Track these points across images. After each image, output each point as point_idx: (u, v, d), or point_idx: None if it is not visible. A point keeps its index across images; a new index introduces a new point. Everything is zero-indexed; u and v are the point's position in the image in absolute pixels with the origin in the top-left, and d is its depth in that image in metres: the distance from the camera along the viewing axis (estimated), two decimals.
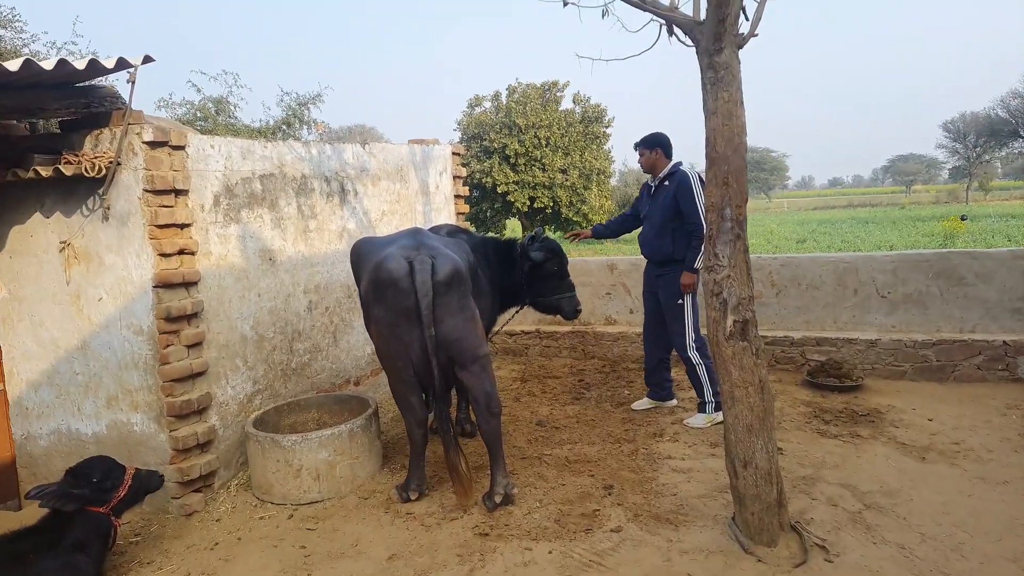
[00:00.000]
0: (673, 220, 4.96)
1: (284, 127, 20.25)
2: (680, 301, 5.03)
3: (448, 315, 3.71)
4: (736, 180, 3.33)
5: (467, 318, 3.79)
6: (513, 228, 30.68)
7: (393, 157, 6.11)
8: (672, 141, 5.17)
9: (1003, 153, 45.63)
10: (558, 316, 5.11)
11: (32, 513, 3.98)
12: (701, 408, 5.13)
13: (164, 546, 3.73)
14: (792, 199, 77.69)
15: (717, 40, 3.26)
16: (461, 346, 3.75)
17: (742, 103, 3.36)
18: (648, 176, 5.24)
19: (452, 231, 4.85)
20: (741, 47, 3.36)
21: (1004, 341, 5.45)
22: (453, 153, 7.06)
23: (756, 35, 3.41)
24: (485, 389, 3.82)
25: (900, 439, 4.54)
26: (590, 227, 5.57)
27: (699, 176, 4.85)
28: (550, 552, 3.36)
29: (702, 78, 3.40)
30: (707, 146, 3.41)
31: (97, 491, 3.30)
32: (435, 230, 4.73)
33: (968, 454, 4.25)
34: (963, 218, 28.00)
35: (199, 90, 18.77)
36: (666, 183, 5.02)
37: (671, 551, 3.32)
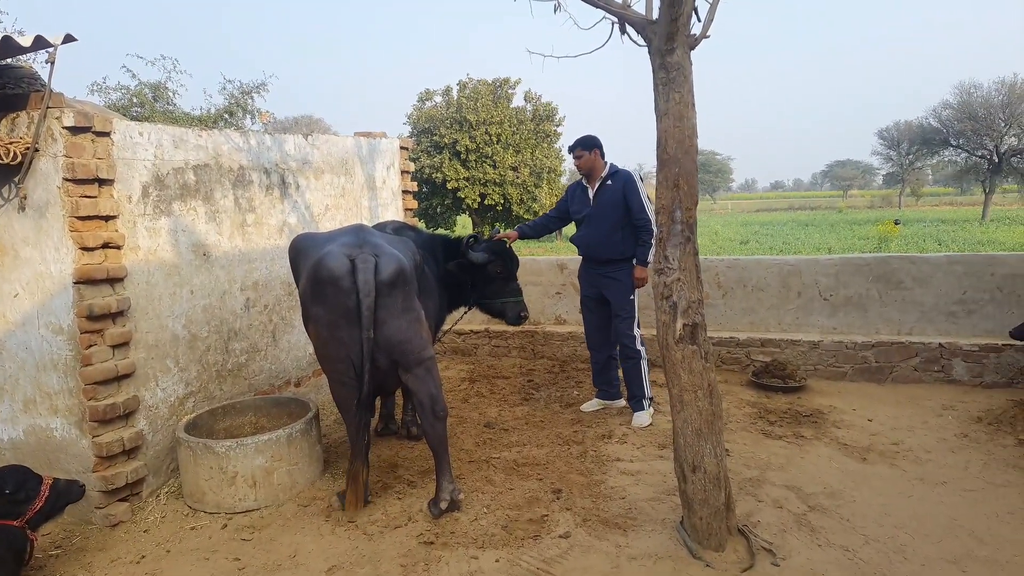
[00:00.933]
0: (622, 218, 4.97)
1: (227, 116, 19.58)
2: (632, 296, 5.08)
3: (391, 316, 3.57)
4: (687, 182, 3.29)
5: (411, 320, 3.66)
6: (464, 224, 30.51)
7: (338, 150, 5.91)
8: (622, 143, 5.17)
9: (934, 161, 47.53)
10: None
11: None
12: (639, 404, 5.13)
13: (87, 559, 3.49)
14: (736, 201, 79.59)
15: (669, 40, 3.21)
16: (405, 348, 3.61)
17: (694, 105, 3.32)
18: (584, 179, 5.20)
19: (398, 228, 4.70)
20: (693, 48, 3.32)
21: (940, 343, 5.60)
22: (401, 147, 6.88)
23: (708, 36, 3.37)
24: (430, 392, 3.69)
25: (842, 440, 4.61)
26: (514, 229, 5.41)
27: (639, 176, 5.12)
28: (497, 560, 3.26)
29: (654, 79, 3.34)
30: (658, 148, 3.36)
31: (10, 503, 3.06)
32: (380, 227, 4.56)
33: (907, 455, 4.33)
34: (897, 222, 29.07)
35: (134, 75, 17.99)
36: (609, 183, 5.02)
37: (619, 557, 3.26)
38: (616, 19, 3.42)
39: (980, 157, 36.48)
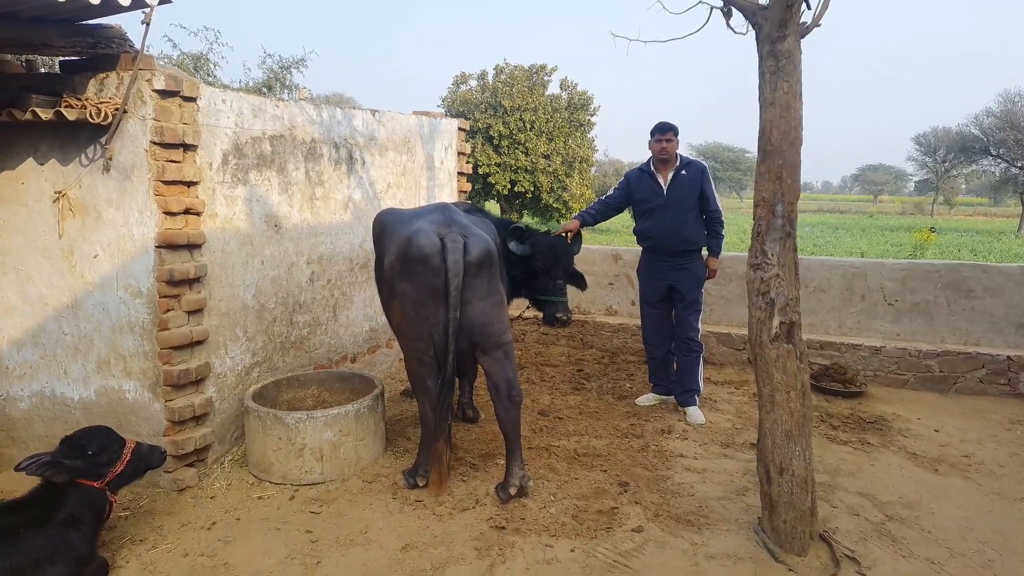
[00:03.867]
0: (696, 208, 4.93)
1: (264, 90, 19.66)
2: (703, 289, 5.02)
3: (476, 298, 3.52)
4: (790, 175, 3.20)
5: (495, 303, 3.62)
6: (492, 211, 30.41)
7: (401, 127, 5.86)
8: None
9: (970, 169, 46.72)
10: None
11: (9, 479, 3.74)
12: (692, 399, 5.07)
13: (157, 523, 3.51)
14: None
15: (782, 27, 3.12)
16: (486, 331, 3.57)
17: (801, 96, 3.22)
18: (653, 164, 5.03)
19: (468, 209, 4.63)
20: (803, 36, 3.23)
21: (1008, 356, 5.46)
22: (459, 128, 6.83)
23: (819, 25, 3.27)
24: (507, 377, 3.65)
25: (910, 449, 4.51)
26: (571, 218, 5.21)
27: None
28: (572, 550, 3.22)
29: (760, 67, 3.25)
30: (761, 138, 3.27)
31: (93, 464, 3.06)
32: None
33: (980, 468, 4.23)
34: (933, 230, 28.59)
35: (176, 45, 18.08)
36: (683, 172, 4.94)
37: (697, 555, 3.21)
38: (722, 4, 3.33)
39: (1020, 168, 35.71)
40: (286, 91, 20.88)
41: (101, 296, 3.81)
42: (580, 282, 4.84)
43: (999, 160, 37.26)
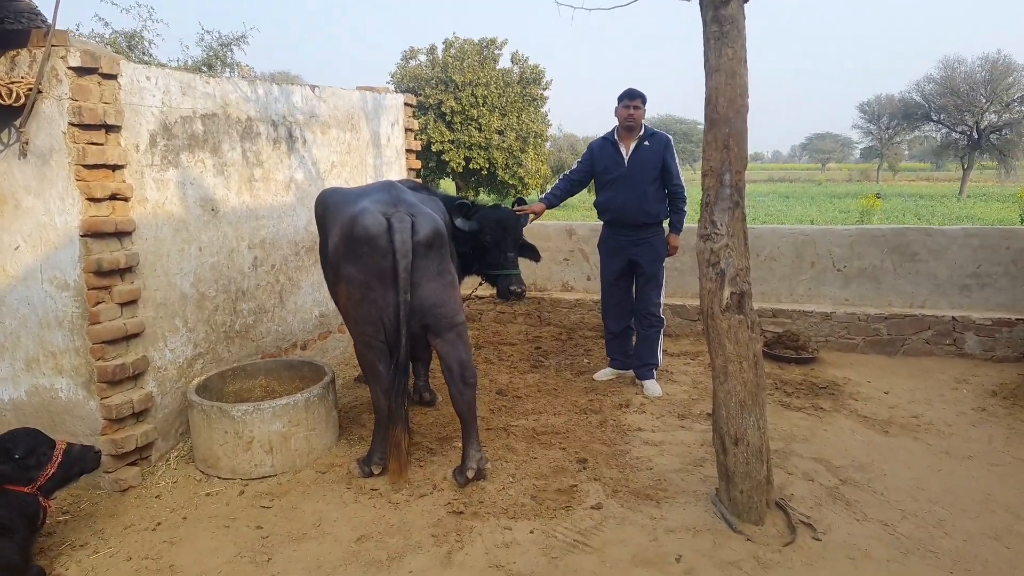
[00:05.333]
0: (657, 180, 4.83)
1: (204, 69, 18.95)
2: (663, 264, 4.97)
3: (426, 279, 3.41)
4: (737, 144, 3.16)
5: (446, 283, 3.51)
6: (447, 189, 30.10)
7: (344, 104, 5.66)
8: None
9: (912, 135, 47.96)
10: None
11: None
12: (650, 372, 5.07)
13: (98, 526, 3.34)
14: None
15: None
16: (438, 313, 3.47)
17: (746, 61, 3.17)
18: (617, 132, 4.93)
19: (413, 187, 4.49)
20: (747, 1, 3.17)
21: (952, 316, 5.59)
22: (405, 104, 6.63)
23: None
24: (460, 358, 3.56)
25: (861, 412, 4.58)
26: (537, 201, 5.09)
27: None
28: (531, 532, 3.17)
29: (704, 32, 3.19)
30: (707, 106, 3.22)
31: (20, 468, 2.88)
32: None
33: (929, 428, 4.32)
34: (878, 196, 29.33)
35: (107, 24, 17.26)
36: (646, 143, 4.83)
37: (656, 529, 3.19)
38: None
39: (960, 133, 36.81)
40: (227, 69, 20.16)
41: (25, 290, 3.58)
42: (533, 254, 4.73)
43: (940, 125, 38.36)
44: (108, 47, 17.24)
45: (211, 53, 19.95)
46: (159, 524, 3.33)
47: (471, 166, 25.37)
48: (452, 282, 3.59)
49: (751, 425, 3.13)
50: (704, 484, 3.59)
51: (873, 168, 56.24)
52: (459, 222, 4.29)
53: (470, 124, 24.97)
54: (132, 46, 17.81)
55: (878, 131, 50.31)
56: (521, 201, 4.83)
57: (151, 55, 18.18)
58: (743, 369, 3.13)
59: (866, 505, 3.38)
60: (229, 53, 20.39)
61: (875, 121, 49.83)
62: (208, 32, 19.95)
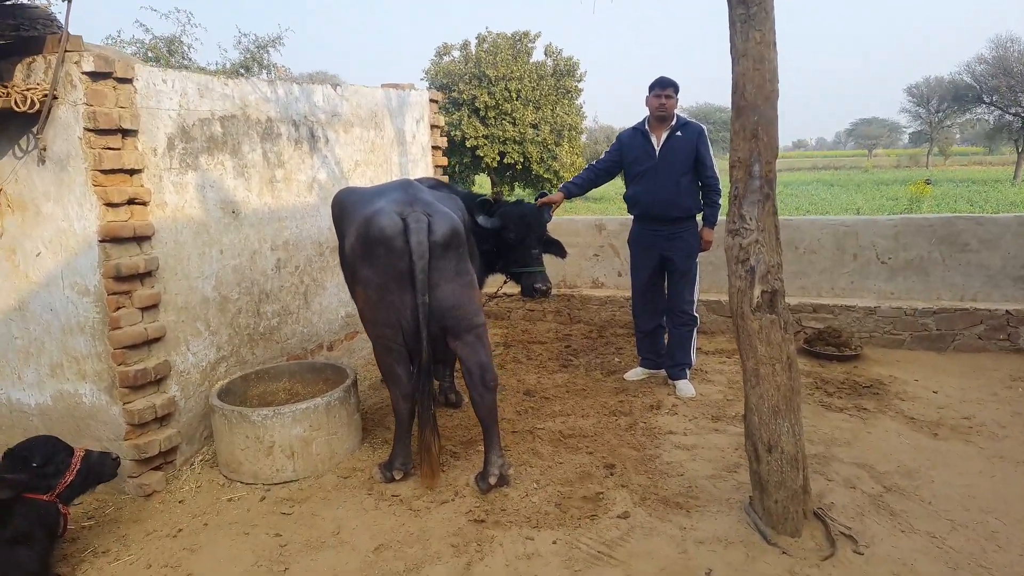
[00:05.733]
0: (690, 173, 4.64)
1: (242, 71, 19.22)
2: (696, 260, 4.78)
3: (444, 280, 3.31)
4: (766, 132, 2.98)
5: (464, 284, 3.41)
6: (482, 184, 30.06)
7: (367, 101, 5.59)
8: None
9: (964, 119, 46.22)
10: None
11: None
12: (683, 372, 4.89)
13: (121, 531, 3.34)
14: None
15: None
16: (457, 314, 3.37)
17: (775, 45, 2.98)
18: (648, 122, 4.74)
19: (433, 185, 4.39)
20: None
21: (1007, 310, 5.28)
22: (431, 100, 6.54)
23: None
24: (480, 361, 3.46)
25: (908, 413, 4.34)
26: (556, 190, 4.94)
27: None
28: (554, 542, 3.06)
29: (730, 15, 3.01)
30: (734, 94, 3.04)
31: (38, 476, 2.88)
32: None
33: (981, 430, 4.06)
34: (928, 182, 28.31)
35: (148, 29, 17.62)
36: (679, 133, 4.64)
37: (686, 540, 3.04)
38: None
39: (1013, 115, 35.27)
40: (264, 71, 20.43)
41: (48, 296, 3.60)
42: (559, 250, 4.59)
43: (993, 108, 36.82)
44: (148, 53, 17.65)
45: (248, 55, 20.23)
46: (180, 530, 3.31)
47: (505, 161, 25.26)
48: (471, 282, 3.48)
49: (785, 431, 2.96)
50: (738, 492, 3.42)
51: (923, 153, 54.39)
52: (481, 219, 4.19)
53: (504, 119, 24.84)
54: (172, 51, 18.16)
55: (927, 115, 48.66)
56: (544, 195, 4.69)
57: (190, 59, 18.51)
58: (776, 372, 2.96)
59: (913, 515, 3.17)
60: (266, 55, 20.64)
61: (924, 104, 48.19)
62: (245, 35, 20.22)
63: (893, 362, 5.29)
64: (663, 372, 5.06)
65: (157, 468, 3.76)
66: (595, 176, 5.00)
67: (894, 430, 4.11)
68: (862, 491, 3.40)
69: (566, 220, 6.76)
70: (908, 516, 3.16)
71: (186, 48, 18.45)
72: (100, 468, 3.07)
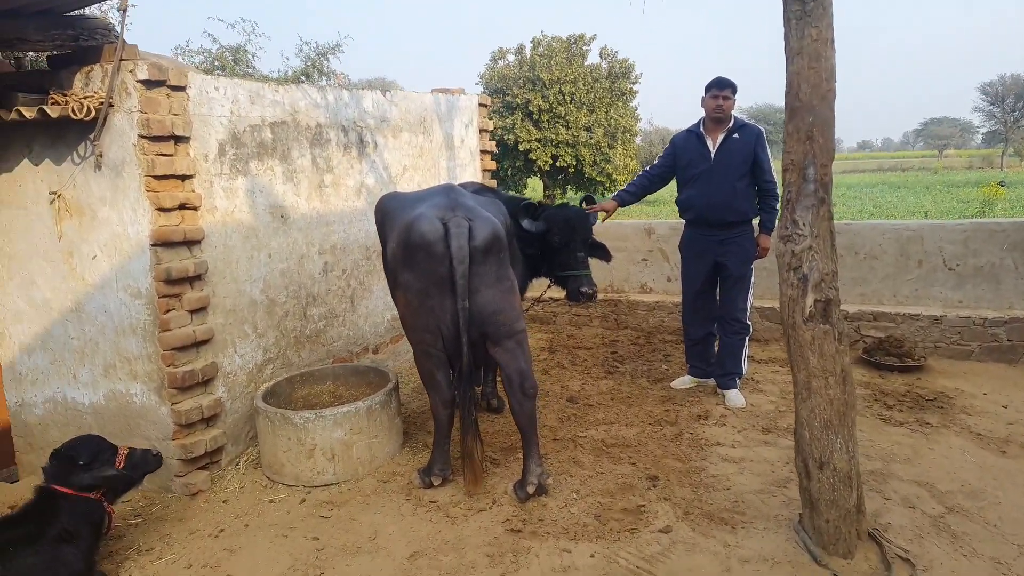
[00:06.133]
0: (747, 176, 4.50)
1: (303, 78, 19.70)
2: (752, 266, 4.63)
3: (484, 285, 3.28)
4: (822, 134, 2.84)
5: (505, 289, 3.37)
6: (534, 187, 30.04)
7: (416, 107, 5.62)
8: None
9: None
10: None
11: (29, 485, 3.69)
12: (733, 382, 4.73)
13: (166, 530, 3.41)
14: None
15: None
16: (497, 320, 3.33)
17: (833, 43, 2.85)
18: (703, 124, 4.61)
19: (478, 190, 4.36)
20: None
21: None
22: (480, 104, 6.54)
23: None
24: (520, 368, 3.41)
25: (975, 429, 4.10)
26: (610, 197, 4.82)
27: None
28: (592, 555, 2.98)
29: (785, 11, 2.88)
30: (788, 93, 2.92)
31: (84, 474, 2.95)
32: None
33: None
34: (1002, 184, 26.95)
35: (215, 39, 18.25)
36: (736, 136, 4.49)
37: (730, 558, 2.92)
38: None
39: None
40: (324, 77, 20.90)
41: (102, 298, 3.71)
42: (604, 254, 4.49)
43: None
44: (215, 62, 18.27)
45: (309, 63, 20.73)
46: (222, 531, 3.36)
47: (558, 164, 25.18)
48: (511, 288, 3.44)
49: (838, 448, 2.81)
50: (787, 508, 3.28)
51: (997, 154, 51.83)
52: (526, 223, 4.16)
53: (557, 122, 24.78)
54: (237, 60, 18.75)
55: (1002, 114, 46.51)
56: (590, 199, 4.61)
57: (254, 68, 19.09)
58: (829, 385, 2.81)
59: (976, 538, 2.98)
60: (325, 62, 21.11)
61: (999, 103, 46.10)
62: (306, 43, 20.71)
63: (959, 374, 5.01)
64: (712, 381, 4.91)
65: (203, 468, 3.83)
66: (649, 182, 4.89)
67: (958, 446, 3.88)
68: (922, 511, 3.21)
69: (614, 224, 6.64)
70: (971, 539, 2.97)
71: (250, 57, 19.04)
72: (144, 465, 3.14)
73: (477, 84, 26.66)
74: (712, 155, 4.56)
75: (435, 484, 3.62)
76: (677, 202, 4.87)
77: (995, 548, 2.91)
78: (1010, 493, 3.35)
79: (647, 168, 5.00)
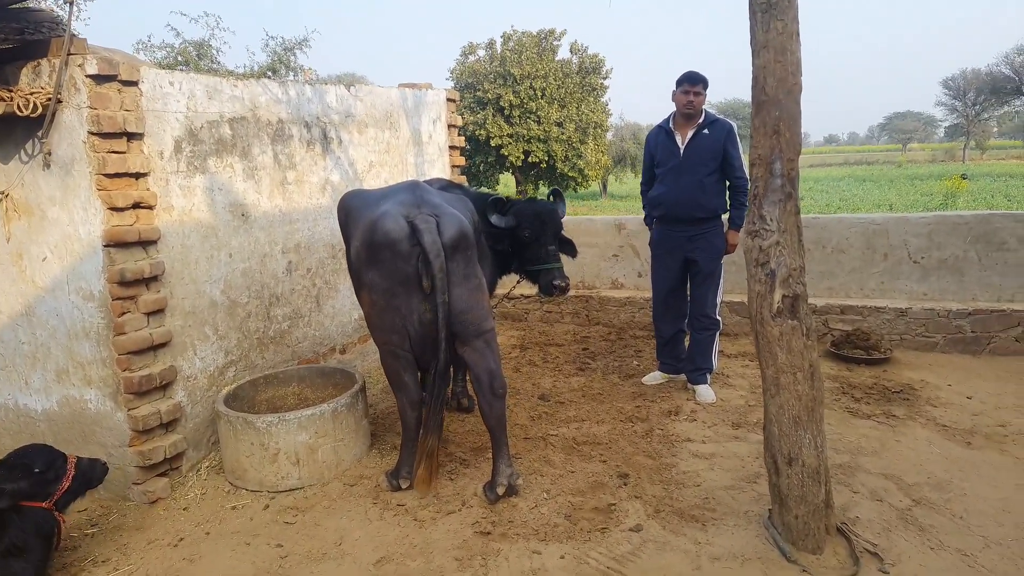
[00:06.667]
0: (716, 172, 4.47)
1: (269, 73, 19.37)
2: (721, 261, 4.61)
3: (452, 283, 3.21)
4: (789, 128, 2.83)
5: (472, 287, 3.30)
6: (506, 183, 29.98)
7: (382, 102, 5.52)
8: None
9: (1002, 111, 44.97)
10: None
11: None
12: (703, 377, 4.73)
13: (123, 540, 3.29)
14: None
15: None
16: (465, 319, 3.27)
17: (798, 36, 2.83)
18: (673, 119, 4.58)
19: (444, 186, 4.29)
20: None
21: None
22: (448, 99, 6.45)
23: None
24: (489, 367, 3.35)
25: (940, 420, 4.14)
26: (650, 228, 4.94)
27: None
28: (561, 557, 2.94)
29: (750, 4, 2.86)
30: (754, 87, 2.89)
31: (39, 483, 2.84)
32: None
33: (1018, 439, 3.85)
34: (964, 177, 27.57)
35: (178, 33, 17.87)
36: (705, 131, 4.46)
37: (700, 556, 2.90)
38: None
39: None
40: (291, 73, 20.58)
41: (53, 301, 3.58)
42: (570, 249, 4.43)
43: None
44: (178, 57, 17.87)
45: (276, 58, 20.39)
46: (182, 539, 3.26)
47: (530, 159, 25.20)
48: (479, 286, 3.38)
49: (807, 443, 2.80)
50: (757, 504, 3.27)
51: (959, 148, 53.03)
52: (495, 218, 4.09)
53: (529, 117, 24.78)
54: (201, 55, 18.38)
55: (964, 108, 47.54)
56: (557, 193, 4.55)
57: (219, 63, 18.72)
58: (797, 381, 2.80)
59: (943, 531, 2.99)
60: (292, 57, 20.78)
61: (961, 97, 47.09)
62: (272, 38, 20.39)
63: (925, 366, 5.07)
64: (683, 376, 4.90)
65: (162, 474, 3.72)
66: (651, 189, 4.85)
67: (925, 438, 3.91)
68: (889, 504, 3.23)
69: (585, 220, 6.62)
70: (938, 531, 2.98)
71: (215, 52, 18.68)
72: (91, 473, 3.03)
73: (448, 79, 26.53)
74: (681, 151, 4.53)
75: (403, 487, 3.55)
76: (647, 200, 4.85)
77: (961, 540, 2.92)
78: (975, 484, 3.38)
79: (642, 182, 5.00)
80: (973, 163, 46.98)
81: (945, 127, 61.09)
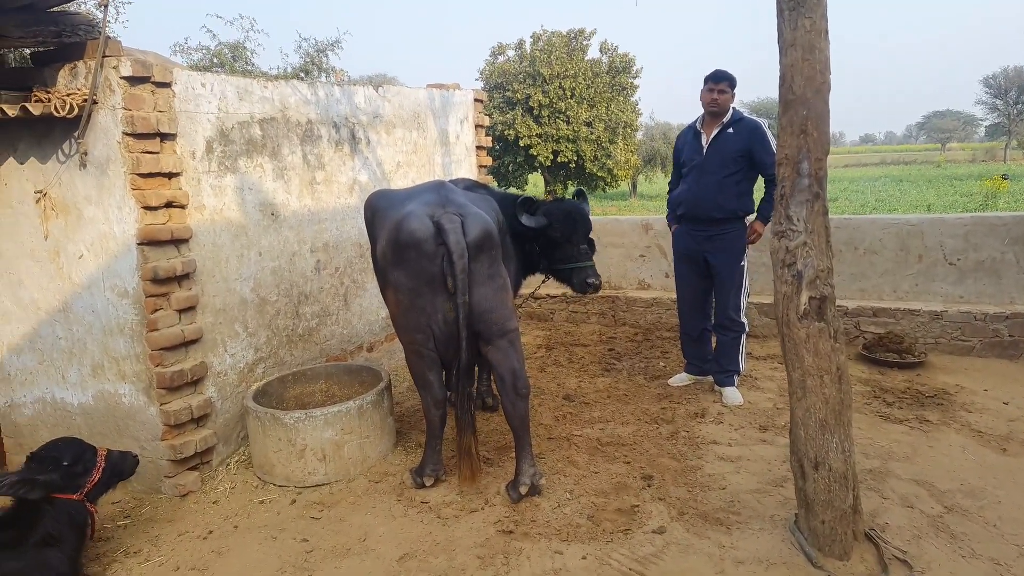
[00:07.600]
0: (738, 172, 4.41)
1: (302, 74, 19.64)
2: (742, 263, 4.54)
3: (477, 283, 3.23)
4: (816, 128, 2.78)
5: (497, 287, 3.32)
6: (535, 183, 29.96)
7: (409, 102, 5.56)
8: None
9: None
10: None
11: None
12: (730, 379, 4.68)
13: (154, 532, 3.37)
14: None
15: None
16: (489, 318, 3.28)
17: (827, 34, 2.78)
18: (701, 119, 4.55)
19: (469, 186, 4.30)
20: None
21: None
22: (475, 100, 6.47)
23: None
24: (512, 367, 3.36)
25: (975, 426, 4.04)
26: (672, 227, 4.90)
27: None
28: (583, 557, 2.93)
29: (778, 2, 2.82)
30: (781, 86, 2.86)
31: (68, 476, 2.91)
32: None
33: None
34: (1005, 177, 26.82)
35: (214, 35, 18.18)
36: (730, 131, 4.41)
37: (724, 560, 2.87)
38: None
39: None
40: (323, 74, 20.83)
41: (90, 298, 3.67)
42: (591, 248, 4.44)
43: None
44: (214, 58, 18.19)
45: (308, 59, 20.64)
46: (211, 532, 3.32)
47: (559, 159, 25.12)
48: (503, 286, 3.39)
49: (833, 448, 2.76)
50: (783, 508, 3.23)
51: (1000, 147, 51.62)
52: (525, 218, 4.10)
53: (558, 117, 24.71)
54: (236, 56, 18.68)
55: (1005, 106, 46.32)
56: (582, 193, 4.54)
57: (253, 64, 19.01)
58: (824, 384, 2.76)
59: (975, 539, 2.92)
60: (324, 58, 21.03)
61: (1002, 96, 45.90)
62: (305, 39, 20.65)
63: (960, 370, 4.95)
64: (710, 378, 4.86)
65: (193, 468, 3.79)
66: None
67: (959, 444, 3.82)
68: (920, 511, 3.16)
69: (611, 220, 6.59)
70: (970, 540, 2.91)
71: (249, 54, 18.97)
72: (121, 466, 3.11)
73: (477, 80, 26.58)
74: (704, 150, 4.50)
75: (427, 484, 3.58)
76: (669, 198, 4.82)
77: (995, 549, 2.85)
78: (1011, 492, 3.30)
79: (670, 184, 4.97)
80: (1015, 163, 45.67)
81: (986, 126, 59.63)
